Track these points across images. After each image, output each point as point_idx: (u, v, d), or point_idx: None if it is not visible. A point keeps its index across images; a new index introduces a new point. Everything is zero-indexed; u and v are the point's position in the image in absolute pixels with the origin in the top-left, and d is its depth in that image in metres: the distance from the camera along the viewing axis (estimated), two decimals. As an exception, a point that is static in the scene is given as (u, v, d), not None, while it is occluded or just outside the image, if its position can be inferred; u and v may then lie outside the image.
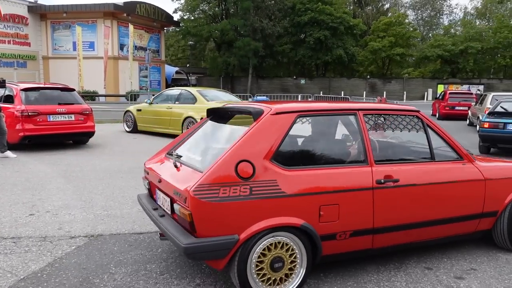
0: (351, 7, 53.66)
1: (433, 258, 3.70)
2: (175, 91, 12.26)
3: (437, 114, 20.48)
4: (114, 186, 6.00)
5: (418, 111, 3.56)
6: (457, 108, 19.50)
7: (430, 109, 22.84)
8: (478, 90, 38.15)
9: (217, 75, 46.84)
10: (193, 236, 2.67)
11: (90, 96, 29.67)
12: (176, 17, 45.76)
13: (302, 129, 3.24)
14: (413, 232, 3.35)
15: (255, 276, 2.76)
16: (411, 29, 48.35)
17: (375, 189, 3.08)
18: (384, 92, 40.87)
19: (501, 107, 10.28)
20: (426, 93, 42.87)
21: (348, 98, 18.51)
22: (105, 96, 31.05)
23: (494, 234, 3.84)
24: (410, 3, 57.13)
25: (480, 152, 9.97)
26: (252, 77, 44.87)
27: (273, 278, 2.82)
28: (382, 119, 3.39)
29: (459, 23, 53.02)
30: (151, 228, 4.25)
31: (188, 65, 52.80)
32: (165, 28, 43.28)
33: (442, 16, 58.20)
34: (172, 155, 3.30)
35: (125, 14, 32.90)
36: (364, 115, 3.29)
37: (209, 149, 3.41)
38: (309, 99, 33.85)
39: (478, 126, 12.35)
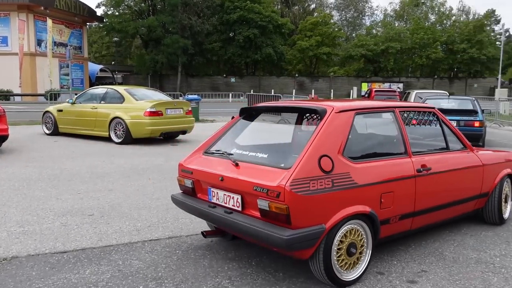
0: (279, 7, 54.46)
1: (384, 261, 3.57)
2: (100, 90, 11.38)
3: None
4: (31, 197, 5.31)
5: (434, 108, 4.14)
6: (382, 105, 20.38)
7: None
8: (398, 88, 40.33)
9: (144, 73, 45.37)
10: (287, 228, 2.83)
11: (3, 95, 27.32)
12: (99, 12, 43.69)
13: (358, 125, 3.61)
14: (438, 213, 3.89)
15: (335, 262, 3.04)
16: (336, 29, 50.02)
17: (416, 177, 3.55)
18: (312, 90, 41.89)
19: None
20: (351, 91, 44.57)
21: (279, 96, 18.58)
22: (21, 95, 28.79)
23: (485, 212, 4.50)
24: (335, 4, 59.20)
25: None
26: (182, 76, 44.00)
27: (349, 263, 3.13)
28: (411, 114, 3.87)
29: (379, 24, 55.78)
30: (77, 245, 3.75)
31: (113, 62, 50.57)
32: (87, 23, 41.09)
33: (364, 17, 60.95)
34: (218, 154, 3.54)
35: (42, 8, 30.76)
36: (400, 112, 3.74)
37: (271, 146, 3.70)
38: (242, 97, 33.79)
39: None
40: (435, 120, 4.07)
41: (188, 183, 3.62)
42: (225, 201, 3.30)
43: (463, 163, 4.08)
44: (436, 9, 54.33)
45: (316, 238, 2.88)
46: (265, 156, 3.31)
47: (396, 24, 54.37)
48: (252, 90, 38.46)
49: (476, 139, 9.82)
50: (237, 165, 3.26)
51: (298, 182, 2.83)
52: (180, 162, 3.73)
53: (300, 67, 52.24)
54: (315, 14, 53.50)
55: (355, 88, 45.50)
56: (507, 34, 56.21)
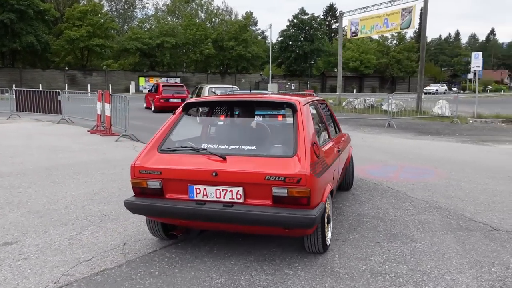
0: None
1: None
2: None
3: (152, 107, 20.36)
4: None
5: (325, 100, 5.35)
6: (171, 100, 19.83)
7: (143, 102, 22.63)
8: (175, 82, 40.77)
9: None
10: (307, 209, 3.22)
11: None
12: None
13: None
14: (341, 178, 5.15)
15: (325, 231, 3.67)
16: (108, 20, 47.16)
17: (339, 156, 4.64)
18: (88, 85, 38.52)
19: (212, 92, 10.69)
20: (130, 85, 42.88)
21: (59, 92, 16.10)
22: None
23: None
24: (104, -8, 55.75)
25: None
26: None
27: (327, 230, 3.82)
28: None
29: (152, 18, 55.25)
30: None
31: None
32: None
33: (135, 10, 59.41)
34: (186, 150, 3.61)
35: None
36: (319, 104, 4.83)
37: (250, 139, 3.84)
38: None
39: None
40: (328, 110, 5.22)
41: (154, 184, 3.46)
42: (219, 196, 3.35)
43: (346, 142, 5.55)
44: (205, 7, 57.08)
45: (323, 213, 3.43)
46: (253, 148, 3.54)
47: (169, 19, 54.84)
48: (14, 85, 32.71)
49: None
50: (224, 159, 3.35)
51: (312, 167, 3.25)
52: (135, 163, 3.53)
53: (70, 59, 47.43)
54: (83, 2, 49.33)
55: (133, 83, 43.99)
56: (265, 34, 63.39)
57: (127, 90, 42.42)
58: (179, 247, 3.97)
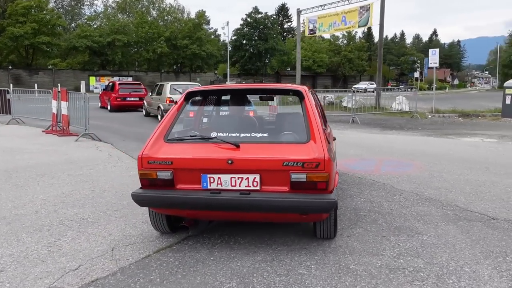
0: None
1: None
2: None
3: (108, 106, 19.48)
4: None
5: None
6: (128, 99, 19.08)
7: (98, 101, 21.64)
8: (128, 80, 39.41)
9: None
10: (326, 193, 3.24)
11: None
12: None
13: None
14: None
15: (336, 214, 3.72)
16: (56, 16, 44.91)
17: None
18: (36, 85, 36.50)
19: (174, 89, 10.32)
20: (80, 85, 41.09)
21: (7, 90, 15.05)
22: None
23: None
24: (49, -12, 53.08)
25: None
26: None
27: None
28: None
29: (101, 15, 53.25)
30: None
31: None
32: None
33: (83, 7, 57.03)
34: (195, 139, 3.54)
35: None
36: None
37: (259, 126, 4.11)
38: None
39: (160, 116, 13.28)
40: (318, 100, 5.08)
41: (164, 174, 3.33)
42: (234, 184, 3.29)
43: (332, 133, 5.27)
44: (157, 4, 55.71)
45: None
46: (265, 135, 3.56)
47: (120, 17, 53.06)
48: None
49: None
50: (238, 146, 3.30)
51: (329, 153, 3.26)
52: (143, 154, 3.37)
53: (14, 57, 44.78)
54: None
55: (83, 82, 42.18)
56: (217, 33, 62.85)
57: (77, 89, 40.41)
58: (174, 250, 3.62)
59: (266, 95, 4.68)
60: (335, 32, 23.67)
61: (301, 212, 3.29)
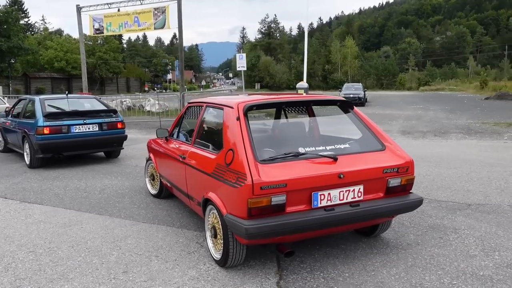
0: None
1: None
2: None
3: None
4: None
5: None
6: None
7: None
8: None
9: None
10: (408, 194, 3.64)
11: None
12: None
13: None
14: None
15: None
16: None
17: None
18: None
19: (51, 106, 8.30)
20: None
21: None
22: None
23: None
24: None
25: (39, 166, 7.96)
26: None
27: None
28: None
29: None
30: None
31: None
32: None
33: None
34: (289, 157, 3.31)
35: None
36: None
37: (335, 137, 4.10)
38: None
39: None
40: None
41: (279, 199, 3.12)
42: (342, 198, 3.31)
43: None
44: None
45: None
46: (347, 146, 3.65)
47: None
48: None
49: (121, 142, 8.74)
50: (336, 159, 3.32)
51: None
52: (254, 180, 3.05)
53: None
54: None
55: None
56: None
57: None
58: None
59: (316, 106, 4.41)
60: (128, 33, 22.28)
61: (397, 214, 3.66)
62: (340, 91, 29.89)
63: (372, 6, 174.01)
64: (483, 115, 17.94)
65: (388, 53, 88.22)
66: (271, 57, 75.45)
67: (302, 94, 17.03)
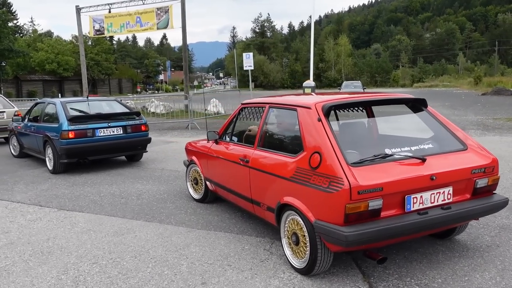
0: None
1: None
2: None
3: None
4: None
5: None
6: None
7: None
8: None
9: None
10: (492, 195, 3.53)
11: None
12: None
13: None
14: None
15: None
16: None
17: None
18: None
19: (73, 109, 8.05)
20: None
21: None
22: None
23: None
24: None
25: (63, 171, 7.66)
26: None
27: None
28: None
29: None
30: None
31: None
32: None
33: None
34: (377, 158, 3.16)
35: None
36: None
37: (415, 138, 3.73)
38: None
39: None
40: None
41: (376, 204, 2.98)
42: (433, 200, 3.22)
43: None
44: None
45: None
46: (431, 146, 3.47)
47: None
48: None
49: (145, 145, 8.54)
50: (424, 160, 3.21)
51: None
52: (352, 184, 2.90)
53: None
54: None
55: None
56: None
57: None
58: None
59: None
60: (129, 33, 22.13)
61: (486, 215, 3.56)
62: (339, 89, 29.87)
63: (361, 4, 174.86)
64: (489, 111, 18.00)
65: (379, 50, 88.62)
66: (265, 56, 75.29)
67: (309, 92, 16.92)
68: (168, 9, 19.35)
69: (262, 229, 4.56)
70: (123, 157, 9.03)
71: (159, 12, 19.53)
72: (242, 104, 4.78)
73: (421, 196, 3.18)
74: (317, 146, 3.25)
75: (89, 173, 7.78)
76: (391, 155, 3.24)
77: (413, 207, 3.16)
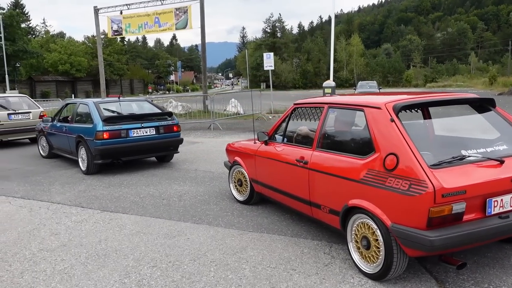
0: None
1: None
2: None
3: None
4: None
5: None
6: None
7: None
8: None
9: None
10: None
11: None
12: None
13: None
14: None
15: None
16: None
17: None
18: None
19: (106, 109, 8.00)
20: None
21: None
22: None
23: None
24: None
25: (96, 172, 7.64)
26: None
27: None
28: None
29: None
30: None
31: None
32: None
33: None
34: (455, 159, 3.08)
35: None
36: None
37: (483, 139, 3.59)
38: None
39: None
40: None
41: (459, 207, 2.88)
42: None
43: None
44: None
45: None
46: (506, 147, 3.34)
47: None
48: None
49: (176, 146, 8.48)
50: (502, 162, 3.12)
51: None
52: (436, 186, 2.79)
53: None
54: None
55: None
56: None
57: None
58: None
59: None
60: (148, 33, 22.01)
61: None
62: (355, 89, 29.66)
63: (371, 4, 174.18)
64: (509, 111, 17.71)
65: (389, 50, 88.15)
66: (276, 56, 75.11)
67: (329, 93, 16.79)
68: (187, 9, 19.32)
69: (317, 231, 4.46)
70: (153, 158, 8.98)
71: (177, 12, 19.51)
72: (295, 104, 4.69)
73: (502, 199, 3.08)
74: (391, 147, 3.15)
75: (123, 174, 7.74)
76: (468, 156, 3.13)
77: (493, 210, 3.06)
